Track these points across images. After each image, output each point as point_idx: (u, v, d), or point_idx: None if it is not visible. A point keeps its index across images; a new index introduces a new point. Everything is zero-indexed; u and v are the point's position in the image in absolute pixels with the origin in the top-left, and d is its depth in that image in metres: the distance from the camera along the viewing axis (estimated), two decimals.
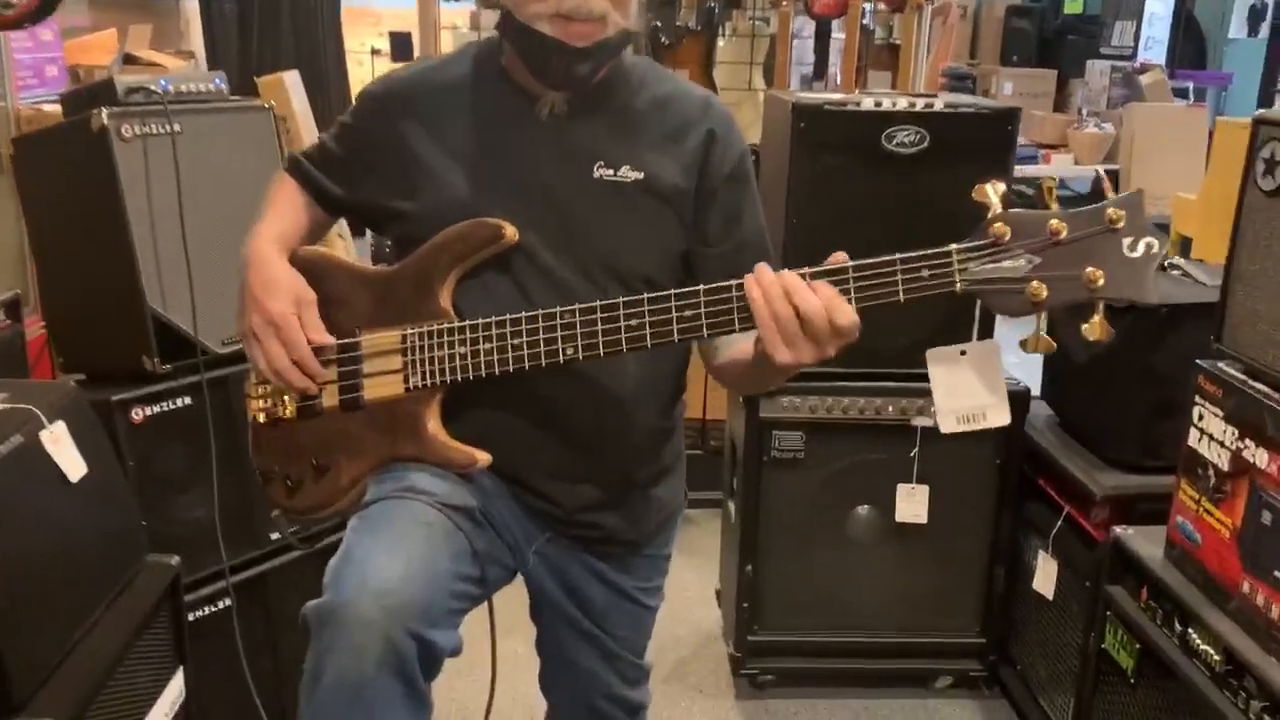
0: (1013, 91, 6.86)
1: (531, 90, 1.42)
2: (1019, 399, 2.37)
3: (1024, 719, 2.47)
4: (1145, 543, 1.91)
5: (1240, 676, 1.61)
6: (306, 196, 1.55)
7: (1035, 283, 1.12)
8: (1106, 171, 5.97)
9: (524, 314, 1.33)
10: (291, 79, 3.62)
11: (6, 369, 2.04)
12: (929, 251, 1.15)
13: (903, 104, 2.22)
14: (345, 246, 3.20)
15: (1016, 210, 1.14)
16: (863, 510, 2.46)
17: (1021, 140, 4.54)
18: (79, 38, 4.44)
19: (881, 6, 5.08)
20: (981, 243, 1.14)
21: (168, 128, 1.94)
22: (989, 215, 1.13)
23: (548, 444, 1.44)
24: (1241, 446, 1.67)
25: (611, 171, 1.40)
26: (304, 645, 1.26)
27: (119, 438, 1.87)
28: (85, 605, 1.56)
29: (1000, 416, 1.17)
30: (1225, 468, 1.70)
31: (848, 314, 1.17)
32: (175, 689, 1.75)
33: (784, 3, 4.81)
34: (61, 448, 1.53)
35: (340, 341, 1.43)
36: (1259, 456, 1.63)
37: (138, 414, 1.92)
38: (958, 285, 1.15)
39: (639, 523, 1.54)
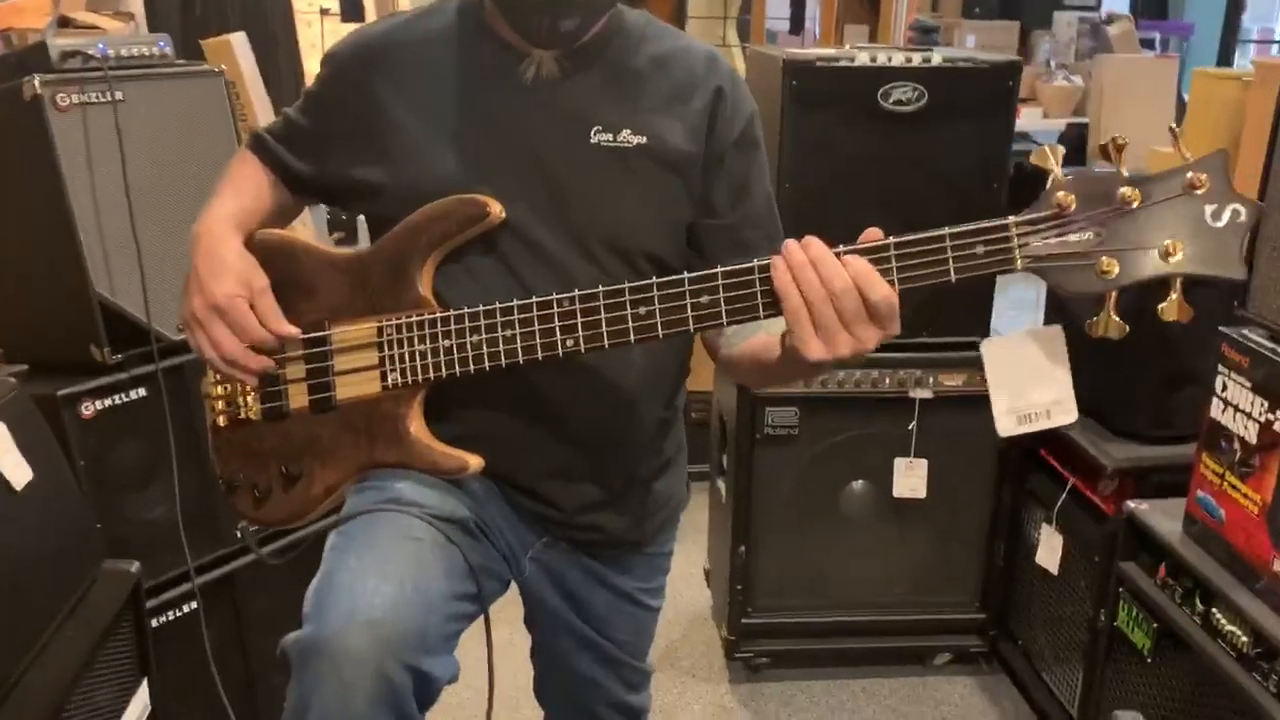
0: (975, 44, 6.75)
1: (519, 48, 1.27)
2: None
3: (1026, 693, 2.43)
4: (1162, 518, 1.84)
5: (1271, 659, 1.56)
6: (271, 176, 1.40)
7: (1106, 258, 1.00)
8: (1075, 125, 5.91)
9: (516, 301, 1.19)
10: (239, 40, 3.41)
11: None
12: (983, 225, 1.02)
13: (899, 59, 2.09)
14: (305, 226, 3.03)
15: (1083, 173, 1.01)
16: (859, 486, 2.37)
17: None
18: (9, 0, 4.19)
19: None
20: (1044, 214, 1.01)
21: (109, 95, 1.80)
22: (1050, 182, 1.00)
23: (544, 443, 1.32)
24: (1272, 418, 1.59)
25: (610, 136, 1.26)
26: (275, 644, 1.14)
27: (68, 435, 1.75)
28: (37, 623, 1.46)
29: (1066, 415, 1.06)
30: (1253, 440, 1.62)
31: (880, 287, 1.03)
32: (140, 704, 1.67)
33: None
34: (3, 452, 1.41)
35: (307, 335, 1.29)
36: None
37: (87, 408, 1.79)
38: (1019, 263, 1.02)
39: (641, 522, 1.43)
